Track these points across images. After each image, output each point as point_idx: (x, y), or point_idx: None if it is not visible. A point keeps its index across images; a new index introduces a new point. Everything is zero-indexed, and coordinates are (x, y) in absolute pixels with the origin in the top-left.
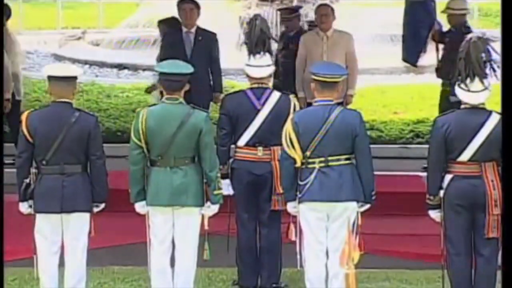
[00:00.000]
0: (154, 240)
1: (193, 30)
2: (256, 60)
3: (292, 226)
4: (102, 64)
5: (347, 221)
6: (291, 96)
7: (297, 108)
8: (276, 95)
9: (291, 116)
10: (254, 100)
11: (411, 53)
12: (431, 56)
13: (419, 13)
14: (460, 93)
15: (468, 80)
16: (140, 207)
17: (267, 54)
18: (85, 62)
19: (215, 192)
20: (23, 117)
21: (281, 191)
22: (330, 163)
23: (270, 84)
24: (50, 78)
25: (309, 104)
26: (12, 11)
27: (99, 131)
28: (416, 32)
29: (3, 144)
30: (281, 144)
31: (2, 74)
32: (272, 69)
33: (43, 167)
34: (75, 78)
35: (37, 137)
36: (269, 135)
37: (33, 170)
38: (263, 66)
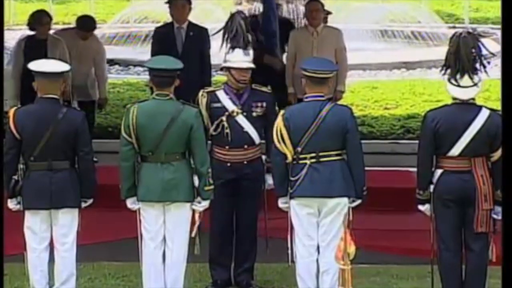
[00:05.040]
0: (146, 236)
1: (185, 25)
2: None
3: None
4: None
5: (338, 216)
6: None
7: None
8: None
9: (282, 112)
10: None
11: None
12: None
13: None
14: (450, 88)
15: (458, 76)
16: (130, 203)
17: (251, 51)
18: None
19: (206, 188)
20: (10, 113)
21: None
22: (321, 159)
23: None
24: (36, 74)
25: (300, 100)
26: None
27: (86, 127)
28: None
29: (3, 143)
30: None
31: (2, 75)
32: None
33: (31, 163)
34: (61, 74)
35: (25, 134)
36: None
37: (20, 166)
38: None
